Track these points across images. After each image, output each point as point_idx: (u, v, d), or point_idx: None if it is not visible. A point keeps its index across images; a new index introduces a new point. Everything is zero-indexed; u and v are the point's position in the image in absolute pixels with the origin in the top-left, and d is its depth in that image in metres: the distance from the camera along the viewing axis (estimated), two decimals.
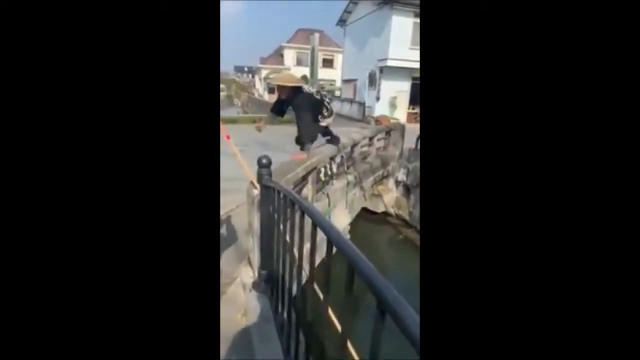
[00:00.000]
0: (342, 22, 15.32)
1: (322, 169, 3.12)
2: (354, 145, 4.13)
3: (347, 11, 14.58)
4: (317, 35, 10.29)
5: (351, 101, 14.39)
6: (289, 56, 28.63)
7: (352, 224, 4.32)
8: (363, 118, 12.70)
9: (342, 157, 3.76)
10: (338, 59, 27.93)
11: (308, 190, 2.75)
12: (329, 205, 3.16)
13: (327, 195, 3.08)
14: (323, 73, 29.70)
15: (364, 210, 5.27)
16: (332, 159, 3.35)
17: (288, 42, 29.00)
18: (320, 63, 30.06)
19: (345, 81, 15.78)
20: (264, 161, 1.59)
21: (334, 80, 25.92)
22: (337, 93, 21.16)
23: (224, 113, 9.65)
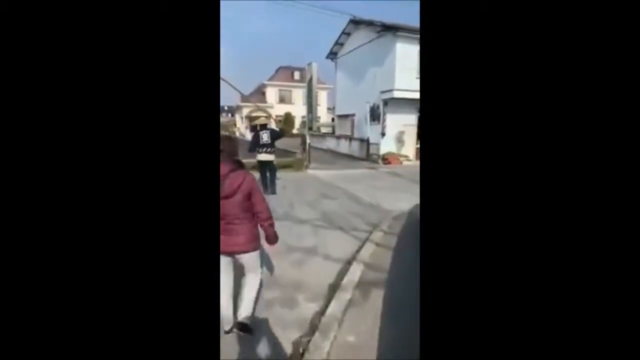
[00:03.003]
0: (332, 54, 14.20)
1: None
2: None
3: (339, 43, 13.50)
4: (315, 65, 8.79)
5: (350, 138, 12.80)
6: (271, 94, 27.73)
7: None
8: (367, 156, 11.04)
9: None
10: (322, 95, 27.29)
11: None
12: None
13: None
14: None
15: None
16: None
17: (270, 79, 28.19)
18: (303, 100, 29.47)
19: (340, 117, 14.31)
20: None
21: (319, 117, 24.87)
22: (324, 130, 19.88)
23: None
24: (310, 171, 8.43)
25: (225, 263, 1.70)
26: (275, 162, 5.42)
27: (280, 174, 6.37)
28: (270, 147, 5.17)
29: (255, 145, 5.18)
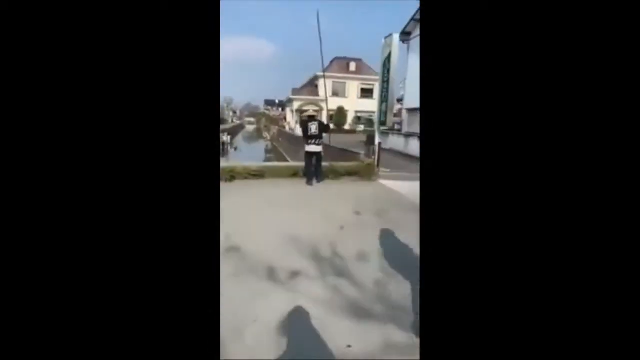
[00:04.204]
0: (405, 35, 11.65)
1: None
2: None
3: (415, 19, 10.93)
4: (396, 37, 6.47)
5: None
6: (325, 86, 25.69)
7: None
8: None
9: None
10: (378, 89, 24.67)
11: None
12: None
13: None
14: (361, 104, 26.48)
15: None
16: None
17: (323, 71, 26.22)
18: (358, 93, 27.04)
19: (411, 110, 11.76)
20: None
21: (373, 112, 22.36)
22: (383, 127, 17.37)
23: (254, 145, 6.90)
24: (382, 181, 6.21)
25: None
26: (322, 153, 5.73)
27: (346, 185, 5.57)
28: (318, 138, 5.49)
29: (305, 136, 5.57)
